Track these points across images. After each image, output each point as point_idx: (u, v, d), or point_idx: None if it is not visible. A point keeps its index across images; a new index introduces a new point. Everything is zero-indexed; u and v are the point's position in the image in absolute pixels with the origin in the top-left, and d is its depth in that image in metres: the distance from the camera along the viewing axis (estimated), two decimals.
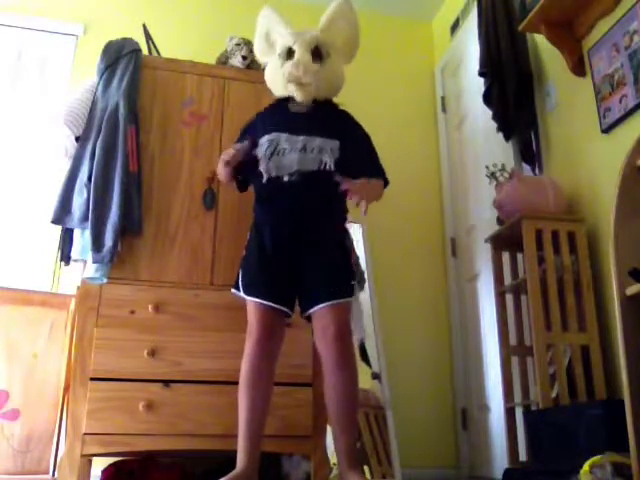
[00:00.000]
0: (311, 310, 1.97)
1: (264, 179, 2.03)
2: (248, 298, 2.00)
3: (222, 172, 2.10)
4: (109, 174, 2.40)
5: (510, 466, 2.37)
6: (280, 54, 2.15)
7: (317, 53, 2.11)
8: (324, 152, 2.02)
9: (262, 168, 2.04)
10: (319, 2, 2.30)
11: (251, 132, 2.17)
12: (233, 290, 2.07)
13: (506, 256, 2.66)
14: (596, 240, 2.39)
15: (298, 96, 2.10)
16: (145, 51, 2.79)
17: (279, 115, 2.15)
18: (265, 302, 1.96)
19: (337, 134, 2.07)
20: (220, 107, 2.68)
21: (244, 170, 2.14)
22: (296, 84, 2.08)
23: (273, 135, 2.06)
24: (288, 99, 2.16)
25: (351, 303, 2.02)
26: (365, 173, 2.01)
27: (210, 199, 2.54)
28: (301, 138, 2.03)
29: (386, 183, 2.10)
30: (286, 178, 2.00)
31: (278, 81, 2.16)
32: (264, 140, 2.07)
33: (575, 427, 1.92)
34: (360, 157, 2.12)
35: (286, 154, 2.02)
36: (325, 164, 2.01)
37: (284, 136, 2.05)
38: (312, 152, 2.01)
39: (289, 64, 2.09)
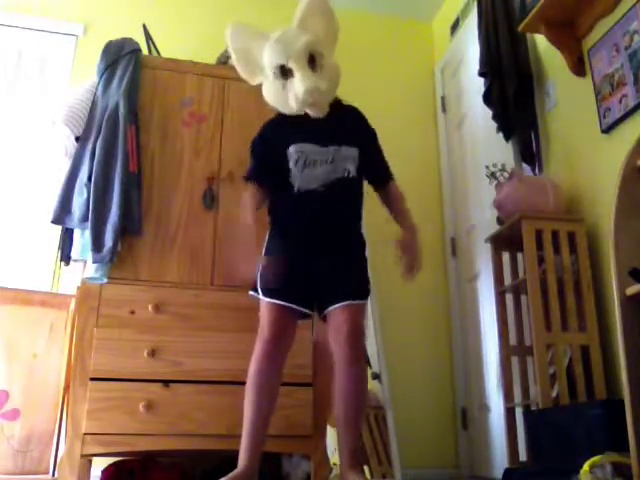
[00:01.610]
0: (327, 310, 1.97)
1: (295, 190, 2.00)
2: (267, 299, 1.98)
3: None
4: (109, 174, 2.40)
5: (510, 466, 2.37)
6: (275, 74, 2.01)
7: (312, 61, 2.00)
8: (348, 160, 2.02)
9: (293, 179, 2.01)
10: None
11: (269, 142, 2.10)
12: (251, 292, 2.05)
13: (506, 256, 2.66)
14: (596, 240, 2.39)
15: (314, 114, 2.03)
16: (145, 51, 2.79)
17: (301, 124, 2.06)
18: (284, 303, 1.95)
19: (356, 139, 2.07)
20: (220, 107, 2.68)
21: (267, 181, 2.09)
22: (310, 107, 2.01)
23: (301, 146, 2.01)
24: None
25: (366, 306, 2.03)
26: (380, 179, 2.15)
27: (210, 199, 2.54)
28: (331, 149, 2.01)
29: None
30: (320, 189, 1.99)
31: (286, 104, 2.03)
32: (292, 151, 2.01)
33: (575, 427, 1.92)
34: (374, 161, 2.14)
35: (317, 166, 2.00)
36: (349, 172, 2.02)
37: (312, 147, 2.01)
38: (340, 162, 2.01)
39: (295, 87, 1.95)
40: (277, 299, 1.96)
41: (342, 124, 2.09)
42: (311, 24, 2.07)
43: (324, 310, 1.99)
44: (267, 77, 2.06)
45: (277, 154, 2.03)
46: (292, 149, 2.01)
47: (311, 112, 2.03)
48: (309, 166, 2.01)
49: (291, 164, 2.01)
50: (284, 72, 2.00)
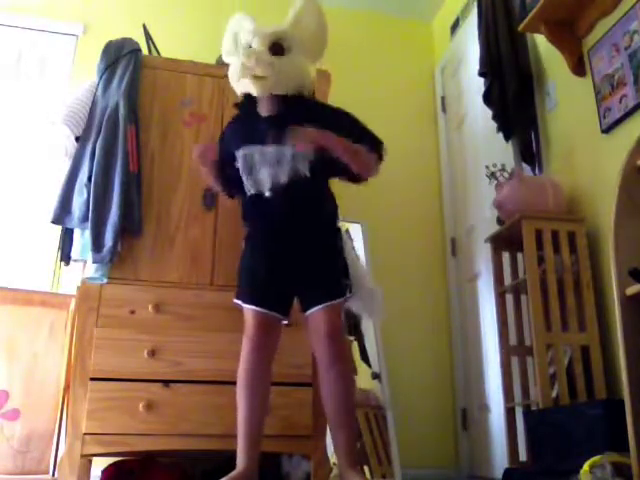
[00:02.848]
0: (306, 313, 1.99)
1: (248, 195, 2.03)
2: (244, 305, 2.02)
3: (202, 171, 2.19)
4: (109, 174, 2.40)
5: (510, 466, 2.37)
6: (242, 53, 2.02)
7: (276, 47, 2.00)
8: (297, 160, 1.96)
9: (245, 184, 2.03)
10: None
11: (225, 145, 2.15)
12: (234, 300, 2.07)
13: (506, 256, 2.66)
14: (596, 240, 2.39)
15: (253, 90, 1.99)
16: (145, 51, 2.79)
17: (249, 124, 2.08)
18: (259, 309, 1.98)
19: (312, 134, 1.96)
20: (220, 107, 2.68)
21: (230, 182, 2.14)
22: (250, 77, 1.96)
23: (246, 149, 2.01)
24: (256, 102, 2.07)
25: (343, 303, 2.02)
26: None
27: (210, 199, 2.54)
28: (272, 149, 1.97)
29: (379, 150, 2.04)
30: (267, 194, 1.97)
31: (235, 78, 2.05)
32: (239, 155, 2.03)
33: (575, 427, 1.92)
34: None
35: (261, 169, 1.98)
36: (299, 173, 1.96)
37: (256, 149, 1.99)
38: (287, 164, 1.95)
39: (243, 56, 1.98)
40: (251, 305, 1.99)
41: (295, 120, 1.98)
42: (299, 26, 2.09)
43: (304, 313, 2.01)
44: (236, 56, 2.08)
45: (230, 156, 2.06)
46: (240, 153, 2.03)
47: (250, 87, 2.00)
48: (252, 170, 2.00)
49: (240, 169, 2.03)
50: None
